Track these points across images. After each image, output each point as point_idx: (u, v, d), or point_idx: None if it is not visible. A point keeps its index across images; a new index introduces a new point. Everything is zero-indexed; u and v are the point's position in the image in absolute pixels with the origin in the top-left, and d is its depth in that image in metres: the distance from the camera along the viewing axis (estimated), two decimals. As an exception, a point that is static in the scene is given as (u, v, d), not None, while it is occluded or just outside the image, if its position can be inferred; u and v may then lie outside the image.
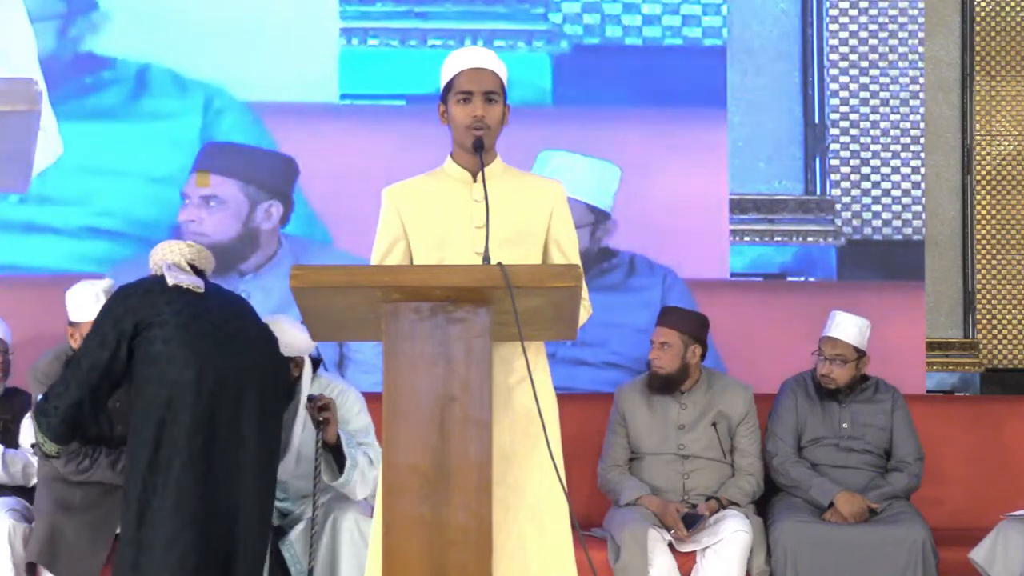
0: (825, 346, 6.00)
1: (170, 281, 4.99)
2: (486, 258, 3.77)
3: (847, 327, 5.96)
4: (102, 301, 5.33)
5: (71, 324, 5.62)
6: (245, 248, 6.66)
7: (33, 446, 5.18)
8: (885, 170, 6.87)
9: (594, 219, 6.72)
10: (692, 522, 5.60)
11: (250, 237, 6.65)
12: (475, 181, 4.06)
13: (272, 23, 6.75)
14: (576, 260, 4.09)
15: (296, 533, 5.38)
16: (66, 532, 5.39)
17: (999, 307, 7.07)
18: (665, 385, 5.91)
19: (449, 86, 4.05)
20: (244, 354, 4.97)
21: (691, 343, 5.90)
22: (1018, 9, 7.11)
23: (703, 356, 5.97)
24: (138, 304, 4.94)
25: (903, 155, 6.88)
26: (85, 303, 5.54)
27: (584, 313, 4.08)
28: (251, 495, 4.87)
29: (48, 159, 6.63)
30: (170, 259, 5.12)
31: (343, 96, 6.78)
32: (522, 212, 4.06)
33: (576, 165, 6.66)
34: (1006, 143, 7.08)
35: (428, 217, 4.06)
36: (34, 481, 5.70)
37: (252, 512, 4.88)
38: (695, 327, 5.92)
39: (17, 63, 6.65)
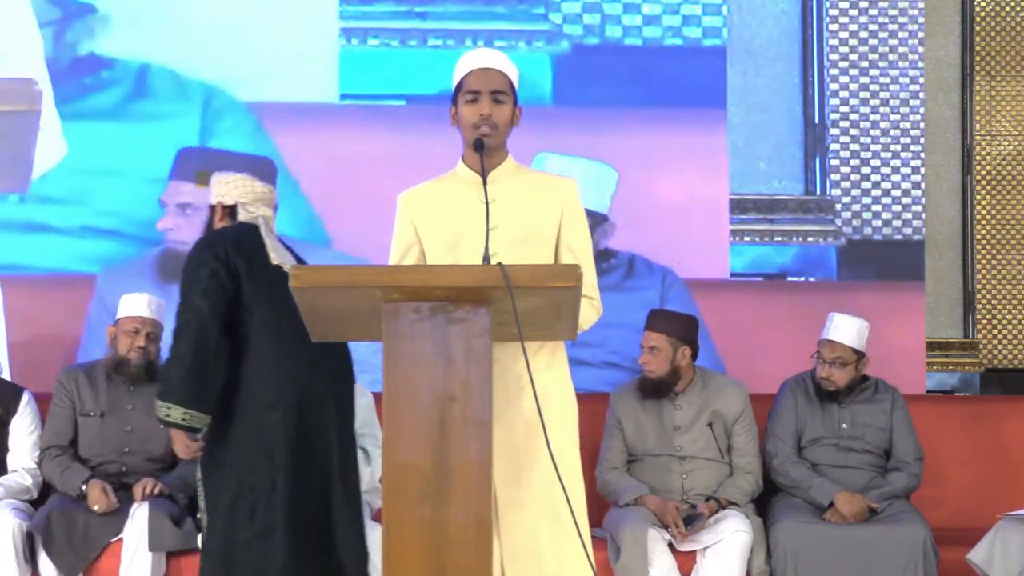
0: (824, 349, 5.99)
1: (273, 259, 4.70)
2: (486, 258, 3.78)
3: (845, 329, 5.95)
4: (153, 307, 5.70)
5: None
6: None
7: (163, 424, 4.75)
8: (885, 170, 6.87)
9: (591, 223, 6.71)
10: (691, 521, 5.60)
11: None
12: (486, 183, 4.07)
13: (272, 23, 6.74)
14: (588, 260, 4.09)
15: None
16: (69, 519, 5.43)
17: (999, 307, 7.07)
18: (657, 388, 5.90)
19: (459, 87, 4.07)
20: (334, 354, 4.77)
21: (680, 345, 5.88)
22: (1018, 9, 7.12)
23: (694, 357, 5.95)
24: (236, 258, 4.63)
25: (903, 155, 6.88)
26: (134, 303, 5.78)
27: (593, 314, 4.09)
28: (342, 496, 4.77)
29: (52, 160, 6.62)
30: (262, 211, 4.81)
31: (343, 96, 6.78)
32: (532, 213, 4.07)
33: (572, 168, 6.65)
34: (1006, 143, 7.08)
35: (440, 220, 4.07)
36: (35, 495, 5.74)
37: (345, 511, 4.77)
38: (683, 329, 5.91)
39: (22, 64, 6.64)
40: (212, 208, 4.93)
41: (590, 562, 3.83)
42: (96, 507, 5.45)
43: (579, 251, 4.11)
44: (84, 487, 5.53)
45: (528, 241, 4.03)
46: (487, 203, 3.92)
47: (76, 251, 6.62)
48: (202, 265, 4.63)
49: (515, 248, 3.94)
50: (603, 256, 6.73)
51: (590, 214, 6.71)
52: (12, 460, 5.75)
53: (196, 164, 6.63)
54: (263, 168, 6.66)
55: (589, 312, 4.02)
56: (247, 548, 4.61)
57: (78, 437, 5.75)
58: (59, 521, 5.43)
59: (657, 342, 5.88)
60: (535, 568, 3.91)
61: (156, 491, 5.52)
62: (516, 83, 4.09)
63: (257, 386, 4.64)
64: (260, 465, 4.62)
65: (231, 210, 4.88)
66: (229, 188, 4.90)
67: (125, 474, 5.69)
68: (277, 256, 4.71)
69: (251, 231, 4.78)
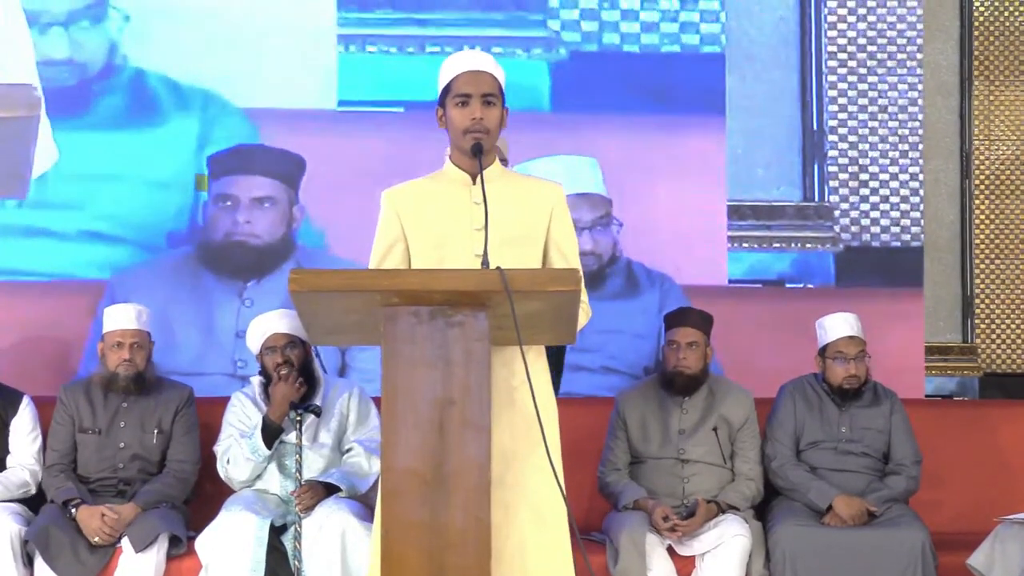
0: (848, 348, 5.91)
1: None
2: (485, 261, 3.77)
3: (854, 323, 5.93)
4: (135, 316, 5.69)
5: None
6: (287, 249, 6.68)
7: None
8: (884, 176, 6.87)
9: (604, 212, 6.72)
10: (690, 515, 5.63)
11: (286, 240, 6.67)
12: (474, 183, 4.06)
13: (270, 30, 6.75)
14: (576, 263, 4.08)
15: (293, 530, 5.45)
16: (68, 533, 5.42)
17: (998, 311, 7.08)
18: (691, 384, 5.86)
19: (447, 89, 4.05)
20: None
21: (708, 343, 5.89)
22: (1016, 14, 7.12)
23: None
24: None
25: (902, 160, 6.89)
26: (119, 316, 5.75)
27: (584, 316, 4.08)
28: None
29: (44, 165, 6.62)
30: None
31: (341, 103, 6.78)
32: (521, 214, 4.06)
33: (554, 168, 6.63)
34: (1005, 148, 7.08)
35: (427, 219, 4.06)
36: (33, 491, 5.73)
37: None
38: (710, 326, 5.91)
39: (16, 69, 6.65)
40: None
41: (588, 565, 3.82)
42: (96, 539, 5.45)
43: (568, 253, 4.10)
44: (73, 510, 5.53)
45: (518, 242, 4.02)
46: (485, 204, 3.90)
47: (75, 256, 6.62)
48: None
49: (505, 248, 3.92)
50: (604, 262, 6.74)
51: (598, 198, 6.74)
52: (11, 462, 5.76)
53: (253, 159, 6.66)
54: (293, 165, 6.69)
55: (580, 315, 4.01)
56: None
57: (77, 453, 5.77)
58: (58, 537, 5.40)
59: (696, 338, 5.84)
60: (519, 569, 3.89)
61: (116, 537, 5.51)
62: (503, 85, 4.09)
63: None
64: None
65: None
66: None
67: (123, 484, 5.71)
68: None
69: None
